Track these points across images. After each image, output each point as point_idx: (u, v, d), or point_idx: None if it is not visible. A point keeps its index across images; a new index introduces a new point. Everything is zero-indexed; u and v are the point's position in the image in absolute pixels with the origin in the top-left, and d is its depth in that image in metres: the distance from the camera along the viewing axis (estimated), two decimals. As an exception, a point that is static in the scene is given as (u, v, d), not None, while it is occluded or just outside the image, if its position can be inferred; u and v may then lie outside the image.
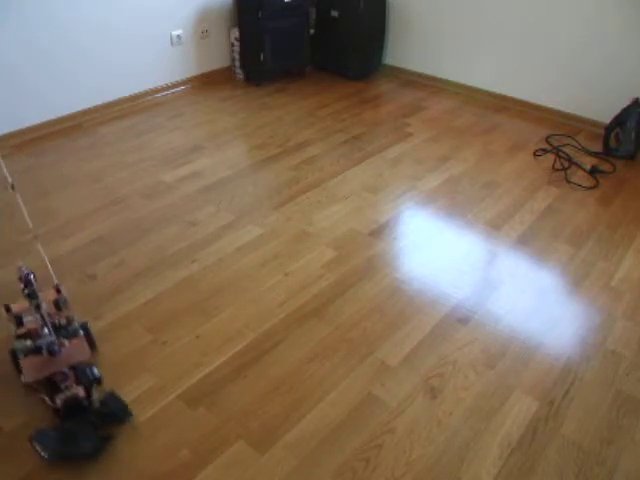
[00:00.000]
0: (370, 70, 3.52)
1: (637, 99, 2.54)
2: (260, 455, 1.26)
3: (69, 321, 1.36)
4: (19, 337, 1.31)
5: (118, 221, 2.07)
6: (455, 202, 2.24)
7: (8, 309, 1.36)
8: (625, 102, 2.63)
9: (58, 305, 1.36)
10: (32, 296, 1.23)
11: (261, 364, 1.49)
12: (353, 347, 1.55)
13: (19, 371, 1.34)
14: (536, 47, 2.90)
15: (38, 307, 1.25)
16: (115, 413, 1.30)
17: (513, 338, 1.60)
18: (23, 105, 2.58)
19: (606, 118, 2.73)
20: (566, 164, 2.54)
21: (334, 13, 3.28)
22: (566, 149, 2.67)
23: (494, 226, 2.10)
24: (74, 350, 1.31)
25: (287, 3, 3.07)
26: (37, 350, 1.27)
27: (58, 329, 1.33)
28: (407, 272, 1.84)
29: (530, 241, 2.02)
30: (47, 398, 1.29)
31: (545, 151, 2.66)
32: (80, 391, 1.26)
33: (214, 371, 1.47)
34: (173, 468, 1.23)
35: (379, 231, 2.05)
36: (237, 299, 1.71)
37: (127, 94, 2.99)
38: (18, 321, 1.33)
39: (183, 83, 3.25)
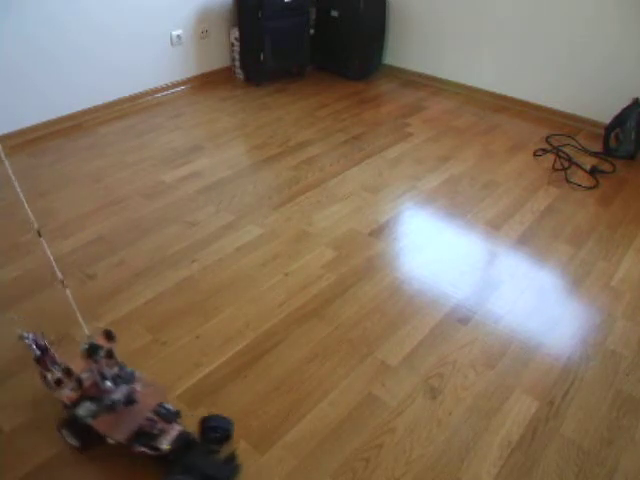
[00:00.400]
0: (370, 70, 3.52)
1: (637, 99, 2.54)
2: (260, 455, 1.26)
3: (120, 367, 1.26)
4: (74, 402, 1.21)
5: (118, 221, 2.07)
6: (455, 202, 2.24)
7: (70, 373, 1.22)
8: (625, 102, 2.63)
9: (111, 354, 1.24)
10: (93, 350, 1.14)
11: (261, 364, 1.49)
12: (353, 347, 1.55)
13: (86, 441, 1.24)
14: (536, 47, 2.90)
15: (97, 361, 1.16)
16: (223, 428, 1.25)
17: (513, 338, 1.60)
18: (23, 105, 2.58)
19: (606, 118, 2.73)
20: (566, 164, 2.54)
21: (334, 13, 3.28)
22: (566, 149, 2.67)
23: (494, 226, 2.10)
24: (147, 393, 1.24)
25: (287, 3, 3.07)
26: (111, 407, 1.18)
27: (115, 379, 1.23)
28: (407, 272, 1.84)
29: (530, 241, 2.02)
30: (146, 449, 1.17)
31: (545, 151, 2.66)
32: (178, 427, 1.20)
33: (214, 371, 1.47)
34: (173, 468, 1.23)
35: (379, 231, 2.04)
36: (237, 299, 1.71)
37: (127, 94, 2.99)
38: (79, 383, 1.22)
39: (183, 83, 3.25)
